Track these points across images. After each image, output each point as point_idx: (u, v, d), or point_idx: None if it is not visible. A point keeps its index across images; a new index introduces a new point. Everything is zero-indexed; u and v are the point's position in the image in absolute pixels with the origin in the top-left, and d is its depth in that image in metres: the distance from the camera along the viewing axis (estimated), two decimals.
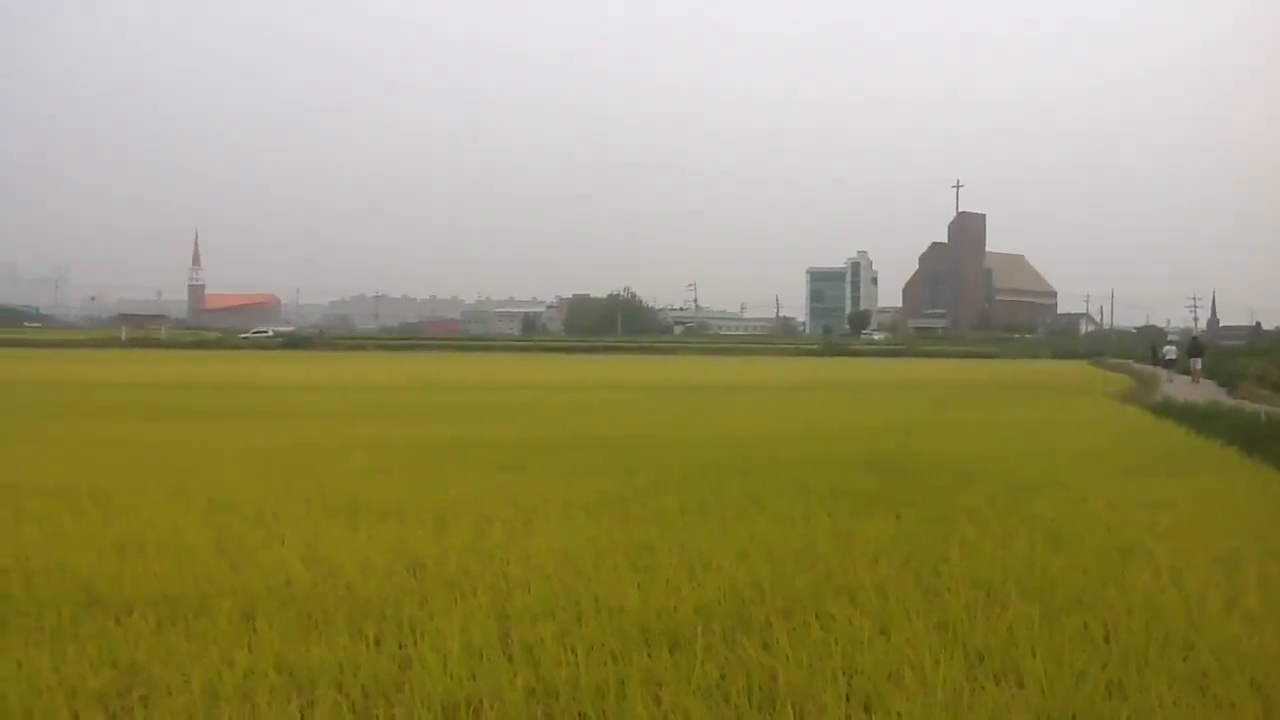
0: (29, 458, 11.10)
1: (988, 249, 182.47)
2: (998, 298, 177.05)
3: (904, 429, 15.79)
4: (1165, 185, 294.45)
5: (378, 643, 4.44)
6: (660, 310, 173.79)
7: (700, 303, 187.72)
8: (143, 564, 5.85)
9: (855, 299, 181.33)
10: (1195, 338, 51.35)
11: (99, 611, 4.94)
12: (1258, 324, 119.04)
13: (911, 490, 8.90)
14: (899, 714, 3.64)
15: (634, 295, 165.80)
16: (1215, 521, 7.55)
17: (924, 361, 73.58)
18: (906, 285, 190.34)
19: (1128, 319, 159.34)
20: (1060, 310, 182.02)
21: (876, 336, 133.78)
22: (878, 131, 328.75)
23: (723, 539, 6.60)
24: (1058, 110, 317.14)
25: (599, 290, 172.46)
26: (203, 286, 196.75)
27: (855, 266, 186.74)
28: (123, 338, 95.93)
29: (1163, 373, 40.80)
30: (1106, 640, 4.50)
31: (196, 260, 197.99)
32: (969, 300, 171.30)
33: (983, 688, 3.90)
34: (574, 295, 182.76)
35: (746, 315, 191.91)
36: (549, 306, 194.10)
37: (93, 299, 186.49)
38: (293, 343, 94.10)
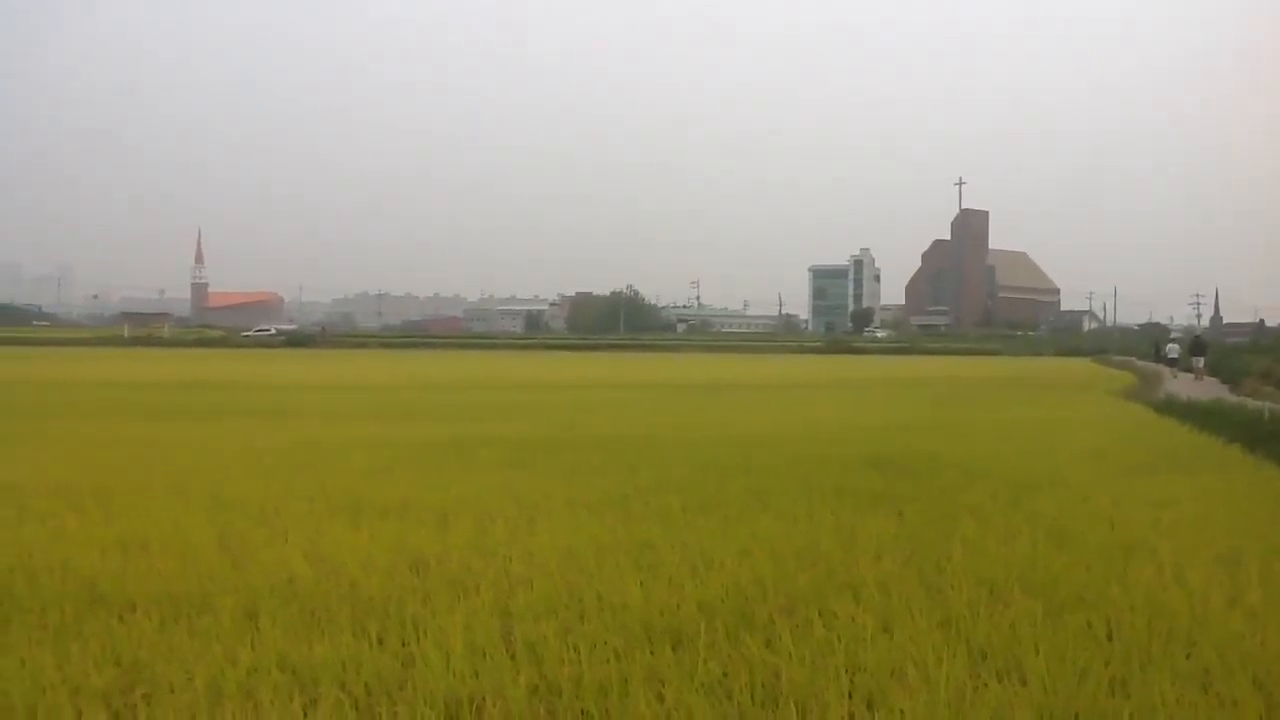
0: (32, 457, 11.11)
1: (990, 246, 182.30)
2: (1000, 295, 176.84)
3: (906, 427, 15.78)
4: (1168, 182, 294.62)
5: (380, 640, 4.45)
6: (663, 308, 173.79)
7: (703, 300, 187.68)
8: (146, 562, 5.85)
9: (858, 296, 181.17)
10: (1198, 335, 51.26)
11: (102, 609, 4.95)
12: (1261, 321, 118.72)
13: (914, 488, 8.90)
14: (902, 711, 3.64)
15: (636, 293, 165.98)
16: (1218, 519, 7.54)
17: (927, 359, 73.57)
18: (909, 283, 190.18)
19: (1131, 316, 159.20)
20: (1063, 308, 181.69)
21: (879, 334, 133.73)
22: (880, 129, 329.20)
23: (725, 537, 6.60)
24: (1060, 107, 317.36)
25: (602, 288, 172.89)
26: (206, 285, 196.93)
27: (858, 264, 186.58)
28: (125, 336, 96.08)
29: (1166, 370, 40.74)
30: (1109, 637, 4.50)
31: (199, 259, 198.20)
32: (972, 298, 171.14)
33: (986, 685, 3.90)
34: (577, 293, 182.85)
35: (749, 313, 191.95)
36: (552, 304, 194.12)
37: (95, 297, 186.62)
38: (295, 341, 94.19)
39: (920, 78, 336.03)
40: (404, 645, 4.38)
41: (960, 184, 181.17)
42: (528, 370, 44.47)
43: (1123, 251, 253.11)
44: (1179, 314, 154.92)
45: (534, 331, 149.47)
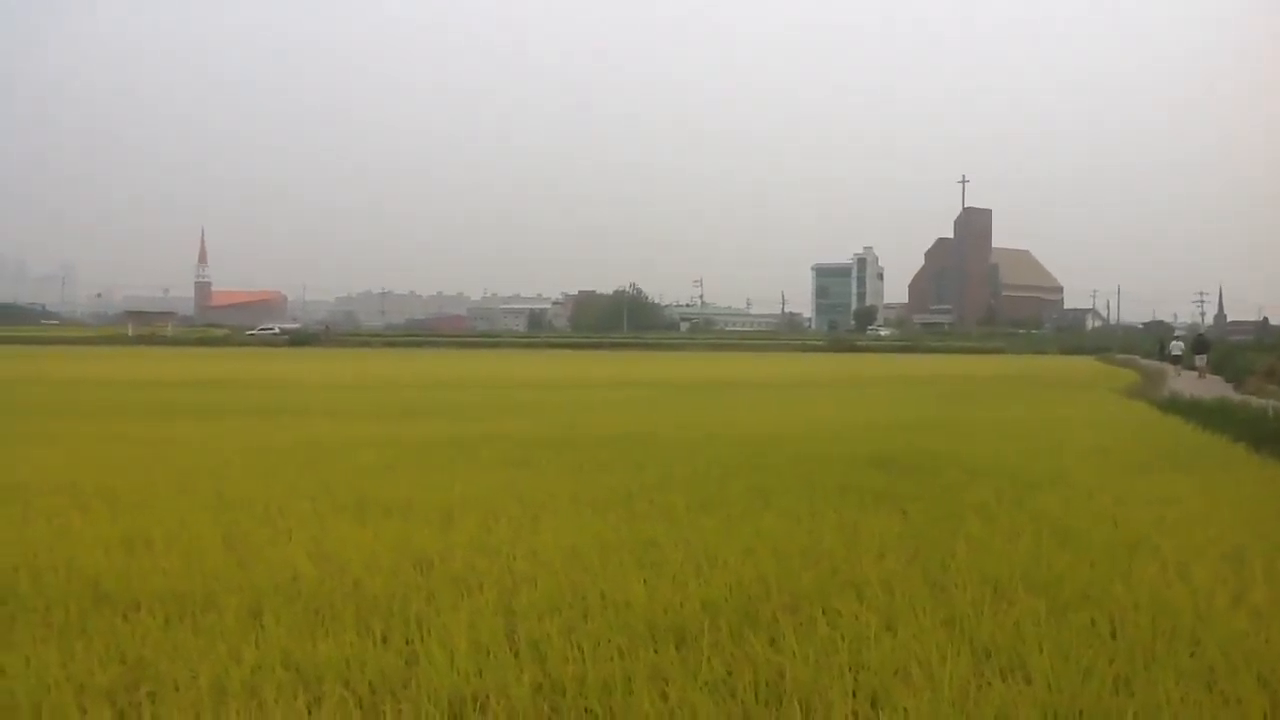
0: (37, 455, 11.13)
1: (994, 244, 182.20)
2: (1004, 293, 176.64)
3: (910, 425, 15.77)
4: (1172, 180, 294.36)
5: (385, 639, 4.45)
6: (666, 307, 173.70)
7: (706, 299, 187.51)
8: (150, 561, 5.86)
9: (861, 295, 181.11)
10: (1201, 334, 51.18)
11: (107, 608, 4.95)
12: (1265, 319, 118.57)
13: (918, 486, 8.90)
14: (906, 710, 3.64)
15: (640, 292, 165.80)
16: (1222, 517, 7.54)
17: (930, 357, 73.53)
18: (912, 281, 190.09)
19: (1134, 315, 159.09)
20: (1066, 306, 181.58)
21: (883, 332, 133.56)
22: (883, 128, 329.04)
23: (729, 535, 6.60)
24: (1063, 105, 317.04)
25: (605, 287, 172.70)
26: (209, 284, 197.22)
27: (861, 262, 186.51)
28: (130, 335, 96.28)
29: (1169, 368, 40.69)
30: (1113, 636, 4.50)
31: (203, 258, 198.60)
32: (975, 296, 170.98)
33: (989, 684, 3.90)
34: (580, 292, 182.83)
35: (752, 311, 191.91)
36: (555, 303, 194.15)
37: (99, 296, 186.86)
38: (299, 340, 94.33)
39: (924, 76, 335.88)
40: (408, 644, 4.39)
41: (964, 182, 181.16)
42: (531, 369, 44.48)
43: (1126, 250, 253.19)
44: (1183, 312, 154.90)
45: (537, 330, 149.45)
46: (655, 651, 4.27)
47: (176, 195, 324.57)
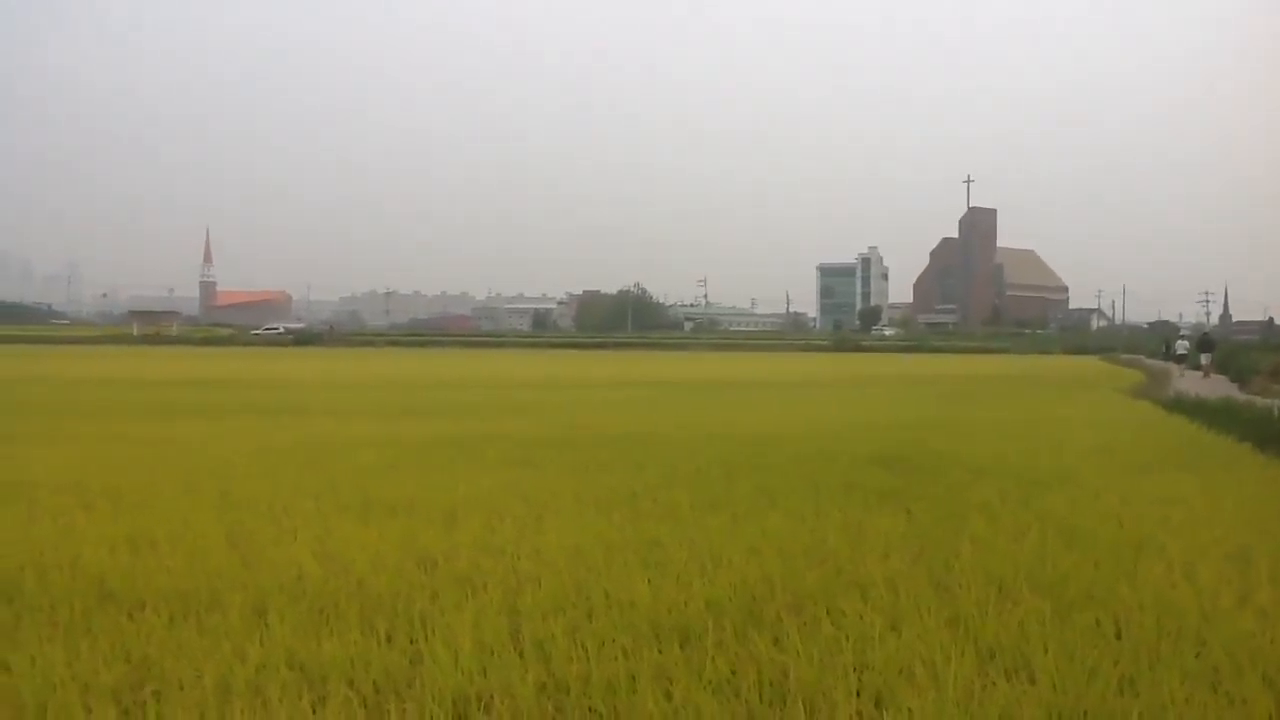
0: (42, 454, 11.15)
1: (999, 244, 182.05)
2: (1009, 293, 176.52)
3: (914, 424, 15.76)
4: (1177, 180, 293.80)
5: (389, 638, 4.45)
6: (670, 306, 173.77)
7: (710, 299, 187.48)
8: (155, 559, 5.87)
9: (866, 295, 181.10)
10: (1206, 333, 51.10)
11: (112, 607, 4.96)
12: (1270, 319, 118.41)
13: (923, 486, 8.89)
14: (910, 710, 3.63)
15: (644, 291, 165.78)
16: (1227, 517, 7.52)
17: (935, 357, 73.45)
18: (917, 281, 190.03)
19: (1139, 314, 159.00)
20: (1072, 305, 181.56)
21: (887, 332, 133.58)
22: (888, 127, 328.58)
23: (733, 534, 6.60)
24: (1069, 105, 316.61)
25: (609, 286, 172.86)
26: (214, 283, 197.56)
27: (866, 262, 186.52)
28: (135, 334, 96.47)
29: (1174, 368, 40.61)
30: (1118, 636, 4.49)
31: (208, 257, 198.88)
32: (980, 296, 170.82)
33: (994, 684, 3.89)
34: (584, 292, 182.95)
35: (757, 311, 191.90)
36: (559, 303, 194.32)
37: (105, 296, 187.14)
38: (304, 339, 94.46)
39: (928, 76, 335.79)
40: (412, 643, 4.39)
41: (968, 182, 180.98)
42: (535, 368, 44.49)
43: (1131, 249, 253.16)
44: (1188, 312, 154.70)
45: (541, 330, 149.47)
46: (659, 651, 4.27)
47: (182, 195, 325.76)
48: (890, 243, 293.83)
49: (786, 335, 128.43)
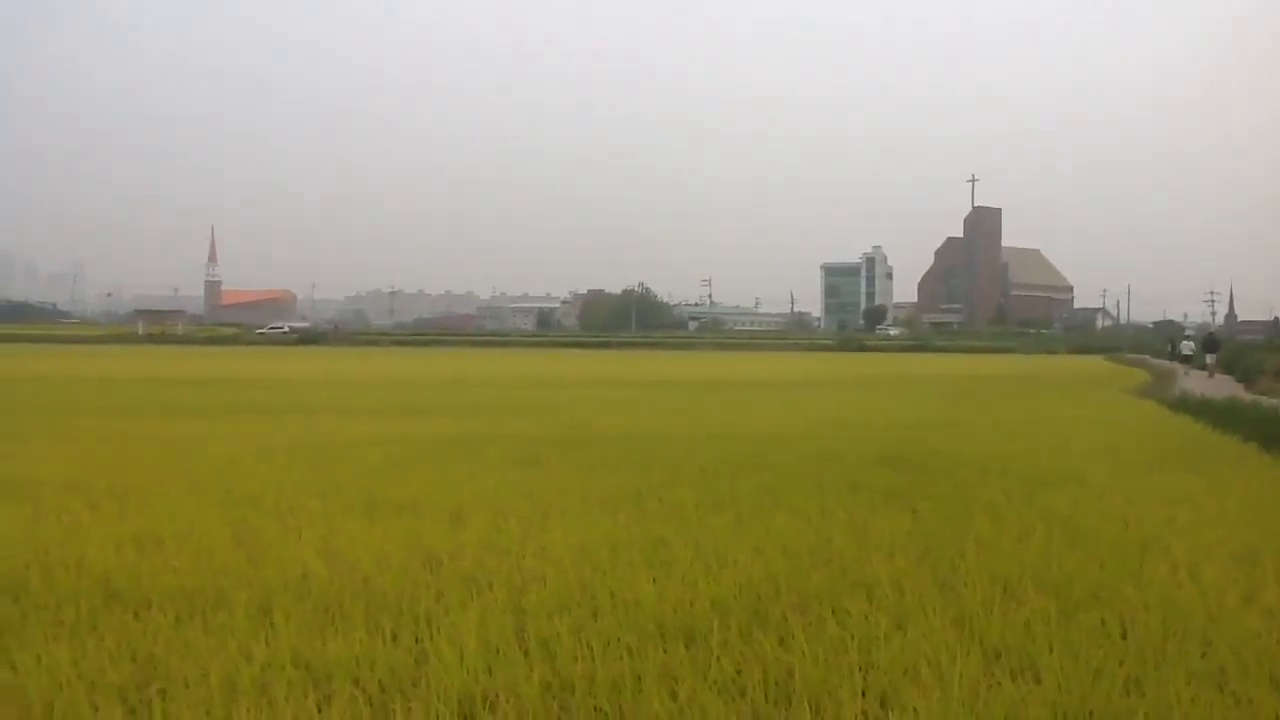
0: (48, 453, 11.18)
1: (1004, 243, 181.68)
2: (1014, 292, 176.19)
3: (919, 424, 15.75)
4: (1183, 179, 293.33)
5: (394, 637, 4.46)
6: (675, 306, 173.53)
7: (715, 298, 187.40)
8: (161, 558, 5.88)
9: (870, 294, 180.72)
10: (1211, 333, 50.99)
11: (118, 605, 4.97)
12: (1276, 319, 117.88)
13: (928, 485, 8.88)
14: (915, 710, 3.63)
15: (648, 291, 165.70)
16: (1233, 517, 7.51)
17: (940, 356, 73.37)
18: (922, 280, 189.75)
19: (1145, 314, 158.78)
20: (1077, 305, 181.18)
21: (892, 332, 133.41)
22: (893, 126, 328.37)
23: (739, 534, 6.60)
24: (1074, 104, 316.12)
25: (613, 286, 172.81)
26: (219, 282, 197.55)
27: (870, 261, 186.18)
28: (140, 333, 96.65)
29: (1179, 368, 40.54)
30: (1124, 636, 4.48)
31: (213, 257, 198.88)
32: (985, 295, 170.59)
33: (999, 684, 3.89)
34: (588, 291, 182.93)
35: (761, 310, 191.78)
36: (563, 302, 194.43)
37: (110, 295, 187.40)
38: (308, 339, 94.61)
39: (933, 75, 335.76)
40: (418, 642, 4.39)
41: (973, 181, 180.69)
42: (539, 368, 44.50)
43: (1137, 249, 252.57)
44: (1193, 311, 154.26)
45: (546, 329, 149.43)
46: (665, 650, 4.27)
47: (187, 195, 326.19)
48: (895, 242, 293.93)
49: (791, 335, 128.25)
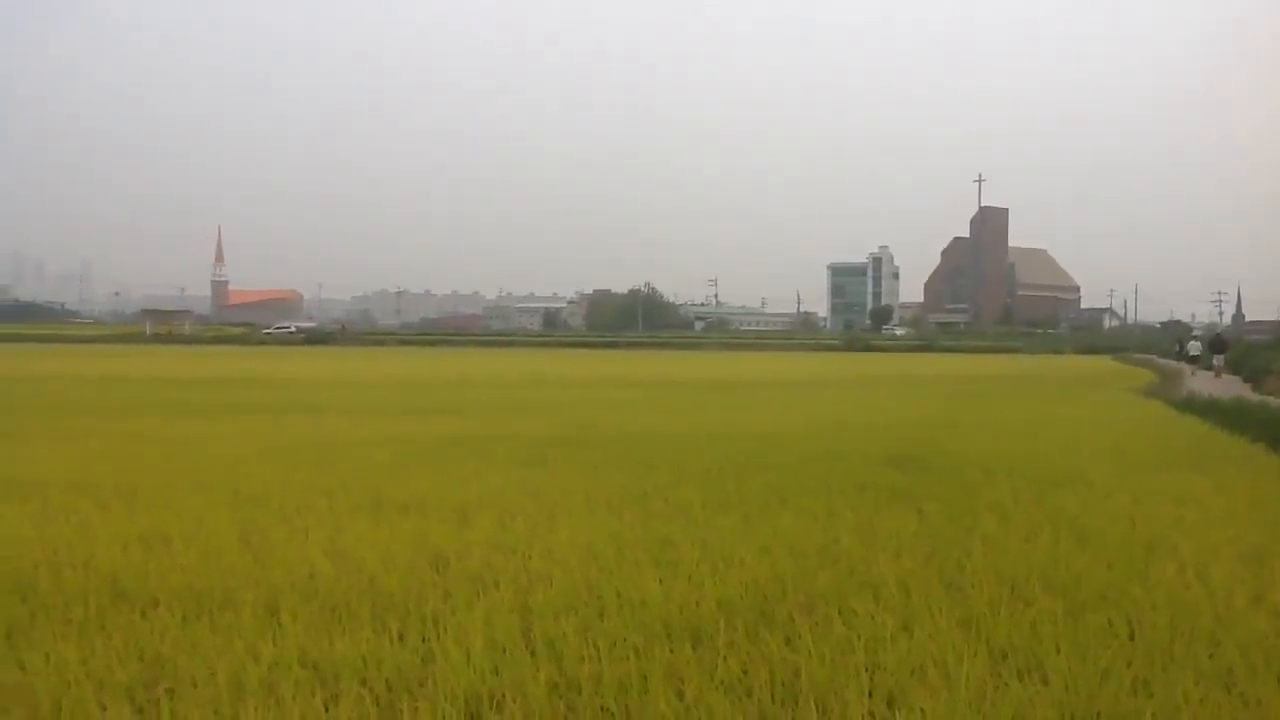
0: (56, 453, 11.20)
1: (1010, 243, 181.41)
2: (1020, 292, 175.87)
3: (926, 424, 15.73)
4: (1190, 179, 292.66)
5: (401, 637, 4.46)
6: (681, 305, 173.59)
7: (721, 298, 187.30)
8: (168, 558, 5.89)
9: (877, 294, 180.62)
10: (1218, 333, 50.85)
11: (125, 605, 4.99)
12: None
13: (934, 485, 8.87)
14: (922, 710, 3.63)
15: (655, 291, 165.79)
16: (1240, 517, 7.49)
17: (946, 357, 73.23)
18: (928, 280, 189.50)
19: (1152, 314, 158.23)
20: (1084, 305, 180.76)
21: (898, 332, 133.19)
22: (899, 126, 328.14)
23: (745, 534, 6.60)
24: (1081, 104, 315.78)
25: (620, 286, 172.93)
26: (226, 282, 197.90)
27: (877, 261, 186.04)
28: (147, 333, 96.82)
29: (1186, 368, 40.44)
30: (1131, 637, 4.48)
31: (220, 257, 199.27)
32: (991, 295, 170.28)
33: (1006, 684, 3.88)
34: (595, 291, 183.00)
35: (767, 310, 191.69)
36: (570, 302, 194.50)
37: (117, 295, 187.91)
38: (315, 338, 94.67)
39: (940, 74, 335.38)
40: (424, 641, 4.40)
41: (980, 181, 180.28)
42: (545, 368, 44.50)
43: (1144, 249, 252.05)
44: (1201, 312, 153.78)
45: (552, 329, 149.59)
46: (671, 650, 4.27)
47: (194, 195, 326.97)
48: (901, 242, 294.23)
49: (797, 335, 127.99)
